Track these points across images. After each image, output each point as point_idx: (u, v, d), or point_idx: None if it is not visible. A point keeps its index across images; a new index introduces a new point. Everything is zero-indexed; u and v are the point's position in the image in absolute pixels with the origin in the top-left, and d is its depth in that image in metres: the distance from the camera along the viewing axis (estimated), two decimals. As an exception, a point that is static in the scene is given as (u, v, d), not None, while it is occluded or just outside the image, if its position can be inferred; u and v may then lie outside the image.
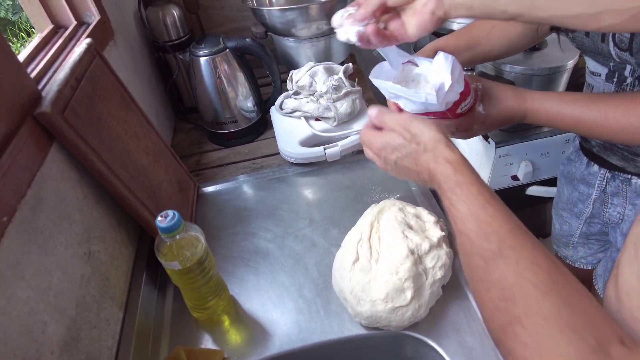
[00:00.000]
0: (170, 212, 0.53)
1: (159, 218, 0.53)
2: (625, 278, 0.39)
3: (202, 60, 0.92)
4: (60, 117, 0.52)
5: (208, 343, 0.63)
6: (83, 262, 0.55)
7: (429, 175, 0.47)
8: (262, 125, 1.03)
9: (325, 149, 0.87)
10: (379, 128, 0.54)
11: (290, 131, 0.91)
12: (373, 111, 0.54)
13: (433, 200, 0.80)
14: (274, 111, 0.96)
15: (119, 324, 0.61)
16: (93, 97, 0.62)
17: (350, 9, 0.54)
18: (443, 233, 0.64)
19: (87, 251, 0.56)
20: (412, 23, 0.51)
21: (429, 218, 0.66)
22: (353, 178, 0.86)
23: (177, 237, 0.55)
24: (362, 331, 0.61)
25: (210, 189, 0.89)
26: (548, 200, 1.10)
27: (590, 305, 0.32)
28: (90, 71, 0.62)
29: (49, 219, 0.50)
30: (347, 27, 0.54)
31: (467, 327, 0.59)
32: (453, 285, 0.65)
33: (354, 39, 0.54)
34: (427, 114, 0.59)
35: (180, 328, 0.66)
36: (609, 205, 0.77)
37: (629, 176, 0.71)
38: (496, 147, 0.92)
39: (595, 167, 0.76)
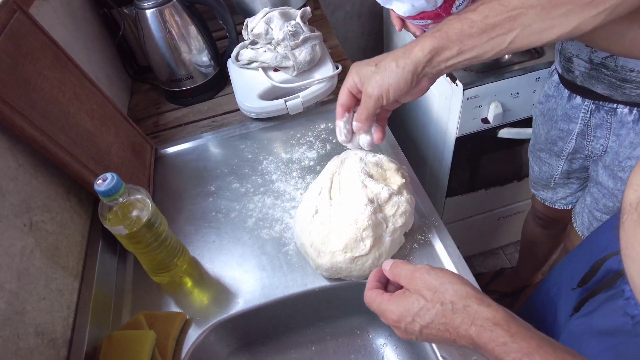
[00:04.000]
0: (108, 175, 0.50)
1: (98, 182, 0.50)
2: (631, 242, 0.37)
3: (149, 12, 0.85)
4: (-27, 79, 0.47)
5: (171, 306, 0.62)
6: (23, 233, 0.52)
7: (473, 343, 0.38)
8: (221, 81, 0.97)
9: (286, 101, 0.83)
10: (385, 284, 0.47)
11: (248, 84, 0.86)
12: (387, 264, 0.46)
13: (397, 148, 0.77)
14: (230, 64, 0.91)
15: (74, 293, 0.59)
16: (17, 57, 0.56)
17: (344, 123, 0.58)
18: (404, 180, 0.62)
19: (27, 222, 0.53)
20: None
21: (389, 166, 0.64)
22: (317, 131, 0.82)
23: (120, 200, 0.52)
24: (324, 283, 0.60)
25: (169, 150, 0.86)
26: (522, 142, 1.08)
27: None
28: (9, 28, 0.57)
29: (-26, 191, 0.46)
30: (356, 140, 0.59)
31: (429, 272, 0.59)
32: (416, 232, 0.64)
33: (367, 148, 0.60)
34: (421, 17, 0.55)
35: (142, 294, 0.64)
36: (592, 138, 0.75)
37: (615, 105, 0.68)
38: (464, 89, 0.89)
39: (578, 99, 0.73)
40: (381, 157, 0.65)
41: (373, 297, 0.46)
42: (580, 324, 0.53)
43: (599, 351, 0.46)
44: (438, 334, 0.40)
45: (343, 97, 0.56)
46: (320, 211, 0.60)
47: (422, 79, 0.51)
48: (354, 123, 0.57)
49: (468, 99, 0.91)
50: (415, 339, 0.43)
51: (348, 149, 0.65)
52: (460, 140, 1.01)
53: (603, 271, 0.52)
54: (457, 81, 0.91)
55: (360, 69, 0.53)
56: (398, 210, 0.59)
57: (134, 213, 0.53)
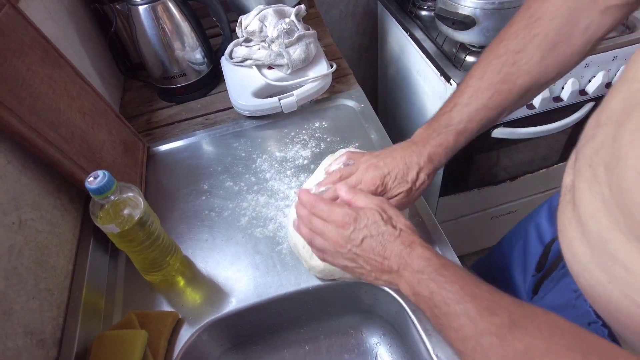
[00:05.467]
0: (100, 172, 0.50)
1: (89, 179, 0.49)
2: (588, 201, 0.38)
3: (141, 9, 0.84)
4: (-41, 74, 0.46)
5: (163, 305, 0.62)
6: (12, 232, 0.51)
7: (399, 261, 0.42)
8: (214, 78, 0.97)
9: (280, 99, 0.82)
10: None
11: (242, 82, 0.85)
12: (344, 187, 0.50)
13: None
14: (224, 61, 0.90)
15: (65, 293, 0.58)
16: (5, 52, 0.55)
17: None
18: None
19: (16, 220, 0.52)
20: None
21: None
22: (312, 129, 0.82)
23: (112, 198, 0.51)
24: (318, 282, 0.60)
25: (161, 148, 0.85)
26: (515, 142, 1.08)
27: (628, 356, 0.30)
28: (-2, 22, 0.56)
29: (-39, 188, 0.45)
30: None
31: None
32: (410, 231, 0.64)
33: None
34: None
35: (134, 293, 0.64)
36: None
37: None
38: (458, 89, 0.89)
39: None
40: None
41: (323, 201, 0.49)
42: (537, 302, 0.56)
43: None
44: (376, 247, 0.44)
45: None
46: None
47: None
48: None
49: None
50: (347, 250, 0.46)
51: (342, 147, 0.65)
52: (454, 140, 1.01)
53: (553, 252, 0.56)
54: (451, 80, 0.91)
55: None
56: None
57: (126, 211, 0.53)
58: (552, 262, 0.56)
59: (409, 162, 0.54)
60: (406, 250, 0.42)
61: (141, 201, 0.54)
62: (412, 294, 0.41)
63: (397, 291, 0.57)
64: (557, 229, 0.46)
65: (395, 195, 0.53)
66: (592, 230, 0.37)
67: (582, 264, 0.41)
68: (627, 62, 0.38)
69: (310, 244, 0.51)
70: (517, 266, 0.66)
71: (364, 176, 0.54)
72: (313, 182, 0.64)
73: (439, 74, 0.95)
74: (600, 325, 0.44)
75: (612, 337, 0.43)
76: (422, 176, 0.54)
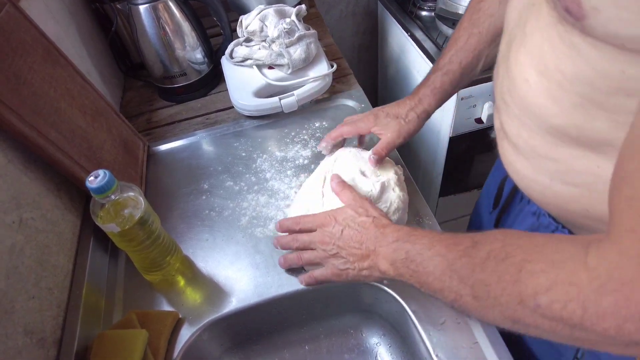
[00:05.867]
0: (100, 172, 0.50)
1: (90, 178, 0.49)
2: (510, 125, 0.45)
3: (142, 8, 0.84)
4: (-40, 73, 0.46)
5: (163, 305, 0.62)
6: (12, 231, 0.51)
7: (375, 242, 0.48)
8: (214, 78, 0.97)
9: (280, 99, 0.82)
10: None
11: (242, 82, 0.85)
12: (336, 178, 0.58)
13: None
14: (225, 61, 0.90)
15: (65, 292, 0.58)
16: (7, 51, 0.55)
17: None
18: (396, 176, 0.62)
19: (16, 219, 0.52)
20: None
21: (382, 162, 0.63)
22: (312, 129, 0.82)
23: (112, 197, 0.51)
24: (319, 282, 0.60)
25: (162, 147, 0.85)
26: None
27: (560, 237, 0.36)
28: (-1, 21, 0.56)
29: (-38, 187, 0.45)
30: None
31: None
32: (411, 231, 0.64)
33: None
34: None
35: (134, 292, 0.64)
36: None
37: None
38: (459, 89, 0.89)
39: None
40: None
41: (304, 216, 0.57)
42: None
43: None
44: (353, 235, 0.50)
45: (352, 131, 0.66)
46: (311, 209, 0.60)
47: None
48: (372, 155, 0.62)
49: (462, 99, 0.91)
50: (331, 246, 0.52)
51: (342, 146, 0.66)
52: (454, 140, 1.02)
53: (506, 189, 0.63)
54: (452, 81, 0.91)
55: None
56: (390, 207, 0.59)
57: (126, 211, 0.53)
58: (507, 197, 0.63)
59: (401, 104, 0.64)
60: (380, 231, 0.48)
61: (142, 200, 0.54)
62: (391, 264, 0.46)
63: (396, 289, 0.57)
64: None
65: (387, 128, 0.62)
66: (521, 146, 0.44)
67: (528, 178, 0.46)
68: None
69: (300, 261, 0.57)
70: (484, 208, 0.74)
71: (362, 116, 0.66)
72: (310, 184, 0.64)
73: (439, 74, 0.95)
74: (561, 227, 0.50)
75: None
76: (412, 114, 0.62)
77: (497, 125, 0.51)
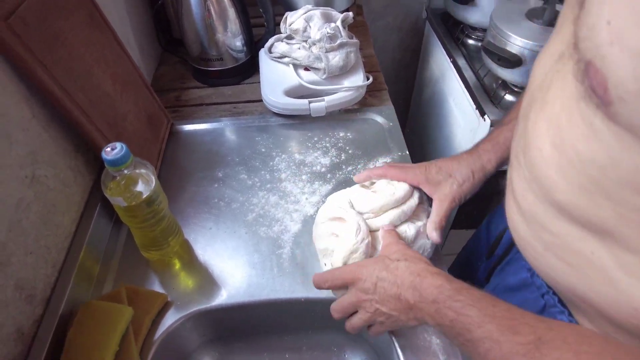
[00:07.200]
0: (118, 145, 0.50)
1: (106, 149, 0.49)
2: (518, 184, 0.44)
3: (192, -13, 0.84)
4: (3, 24, 0.47)
5: (155, 285, 0.61)
6: (24, 185, 0.52)
7: (413, 294, 0.42)
8: (249, 68, 0.96)
9: (310, 102, 0.82)
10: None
11: (276, 78, 0.85)
12: (387, 226, 0.55)
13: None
14: (262, 54, 0.90)
15: (62, 253, 0.59)
16: (51, 9, 0.56)
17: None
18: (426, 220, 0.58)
19: (30, 174, 0.53)
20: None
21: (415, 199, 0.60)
22: (335, 138, 0.81)
23: (125, 172, 0.51)
24: (311, 295, 0.59)
25: (185, 127, 0.85)
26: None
27: None
28: (50, -22, 0.56)
29: (-18, 135, 0.46)
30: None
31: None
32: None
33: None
34: None
35: (129, 266, 0.64)
36: None
37: None
38: (491, 125, 0.87)
39: None
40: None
41: (324, 274, 0.52)
42: (493, 284, 0.60)
43: None
44: (388, 288, 0.45)
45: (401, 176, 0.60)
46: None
47: None
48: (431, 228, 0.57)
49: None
50: (369, 303, 0.46)
51: (363, 161, 0.64)
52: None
53: (505, 240, 0.61)
54: (486, 116, 0.89)
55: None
56: (423, 254, 0.55)
57: (136, 187, 0.52)
58: (504, 250, 0.60)
59: (456, 159, 0.59)
60: (417, 279, 0.43)
61: (153, 180, 0.54)
62: (435, 324, 0.41)
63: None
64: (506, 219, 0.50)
65: (439, 189, 0.58)
66: (524, 208, 0.42)
67: (525, 240, 0.45)
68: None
69: (354, 331, 0.52)
70: (476, 255, 0.71)
71: (411, 166, 0.61)
72: (340, 196, 0.60)
73: (474, 106, 0.93)
74: (552, 294, 0.47)
75: (562, 304, 0.46)
76: (466, 172, 0.57)
77: (507, 178, 0.49)
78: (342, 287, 0.50)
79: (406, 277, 0.44)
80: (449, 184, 0.57)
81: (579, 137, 0.32)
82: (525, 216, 0.43)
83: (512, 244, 0.58)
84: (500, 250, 0.62)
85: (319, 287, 0.52)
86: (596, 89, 0.28)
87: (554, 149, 0.35)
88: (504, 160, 0.57)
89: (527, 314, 0.36)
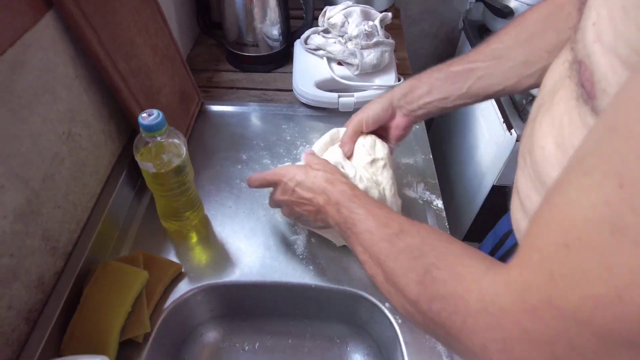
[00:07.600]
0: (155, 111, 0.51)
1: (143, 115, 0.51)
2: (523, 184, 0.45)
3: (237, -28, 0.86)
4: (61, -17, 0.49)
5: (170, 255, 0.63)
6: (60, 141, 0.53)
7: (323, 197, 0.50)
8: (283, 58, 0.98)
9: (339, 96, 0.83)
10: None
11: (308, 69, 0.86)
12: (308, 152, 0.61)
13: (435, 178, 0.76)
14: (297, 45, 0.91)
15: (86, 212, 0.60)
16: (106, -25, 0.58)
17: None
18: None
19: (67, 131, 0.55)
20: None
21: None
22: (360, 133, 0.82)
23: (159, 138, 0.53)
24: (321, 283, 0.60)
25: (214, 108, 0.86)
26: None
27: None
28: (108, -55, 0.58)
29: (30, 87, 0.47)
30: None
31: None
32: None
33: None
34: None
35: (147, 234, 0.65)
36: None
37: None
38: (516, 140, 0.87)
39: None
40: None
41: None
42: None
43: None
44: (305, 192, 0.52)
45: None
46: None
47: (396, 111, 0.62)
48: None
49: (518, 151, 0.89)
50: (290, 200, 0.54)
51: None
52: (496, 189, 0.99)
53: (509, 242, 0.64)
54: (513, 130, 0.88)
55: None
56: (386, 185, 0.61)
57: (167, 155, 0.54)
58: (506, 251, 0.63)
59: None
60: (329, 186, 0.50)
61: (184, 150, 0.55)
62: (334, 223, 0.49)
63: (396, 317, 0.56)
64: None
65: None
66: (528, 208, 0.44)
67: None
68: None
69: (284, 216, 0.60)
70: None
71: None
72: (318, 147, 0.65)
73: (502, 119, 0.93)
74: None
75: None
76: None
77: (514, 180, 0.51)
78: (268, 186, 0.58)
79: (320, 184, 0.51)
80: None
81: (577, 135, 0.34)
82: (529, 215, 0.44)
83: (515, 245, 0.60)
84: (503, 251, 0.64)
85: (249, 185, 0.59)
86: (585, 85, 0.31)
87: (557, 148, 0.37)
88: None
89: (401, 217, 0.42)
